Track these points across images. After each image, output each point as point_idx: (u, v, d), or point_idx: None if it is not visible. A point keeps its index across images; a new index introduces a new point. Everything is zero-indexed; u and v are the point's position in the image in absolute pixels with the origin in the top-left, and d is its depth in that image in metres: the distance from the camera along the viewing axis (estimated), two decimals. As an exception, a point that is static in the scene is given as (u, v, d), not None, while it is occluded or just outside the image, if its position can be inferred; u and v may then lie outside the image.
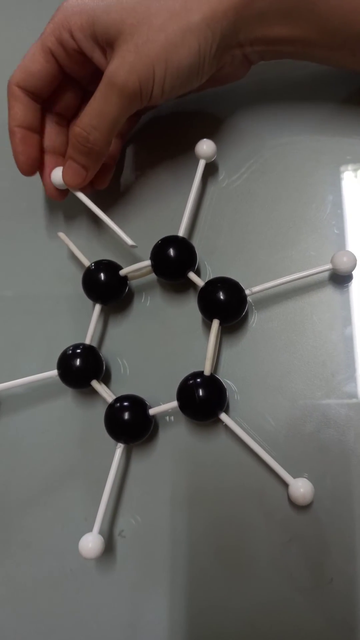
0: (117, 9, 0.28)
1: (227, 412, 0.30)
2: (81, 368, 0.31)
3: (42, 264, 0.37)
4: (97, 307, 0.33)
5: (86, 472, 0.32)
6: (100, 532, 0.29)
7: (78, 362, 0.31)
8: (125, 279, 0.33)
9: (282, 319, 0.31)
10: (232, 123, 0.35)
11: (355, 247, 0.31)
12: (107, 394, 0.31)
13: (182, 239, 0.31)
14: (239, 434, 0.29)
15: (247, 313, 0.31)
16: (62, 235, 0.35)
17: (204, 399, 0.29)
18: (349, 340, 0.30)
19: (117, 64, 0.28)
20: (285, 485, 0.28)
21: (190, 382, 0.29)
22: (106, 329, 0.34)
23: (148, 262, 0.31)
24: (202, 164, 0.33)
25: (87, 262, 0.33)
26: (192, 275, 0.31)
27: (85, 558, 0.28)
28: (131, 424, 0.30)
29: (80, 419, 0.33)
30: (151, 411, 0.30)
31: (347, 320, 0.30)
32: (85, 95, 0.34)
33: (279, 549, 0.29)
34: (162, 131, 0.37)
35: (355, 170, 0.33)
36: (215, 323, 0.30)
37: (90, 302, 0.33)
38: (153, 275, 0.32)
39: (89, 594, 0.31)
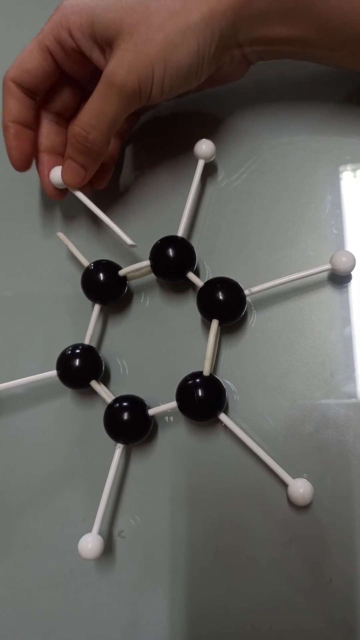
0: (116, 9, 0.28)
1: (226, 412, 0.30)
2: (80, 368, 0.31)
3: (41, 264, 0.37)
4: (97, 307, 0.33)
5: (85, 473, 0.32)
6: (100, 533, 0.29)
7: (77, 362, 0.31)
8: (124, 279, 0.33)
9: (281, 319, 0.31)
10: (232, 123, 0.35)
11: (354, 247, 0.31)
12: (107, 394, 0.31)
13: (181, 239, 0.31)
14: (239, 434, 0.29)
15: (246, 313, 0.31)
16: (61, 235, 0.35)
17: (203, 399, 0.29)
18: (348, 340, 0.30)
19: (116, 63, 0.28)
20: (285, 485, 0.28)
21: (190, 382, 0.29)
22: (105, 329, 0.34)
23: (147, 262, 0.31)
24: (201, 164, 0.33)
25: (86, 262, 0.33)
26: (191, 276, 0.31)
27: (84, 558, 0.28)
28: (130, 424, 0.30)
29: (80, 419, 0.33)
30: (150, 411, 0.30)
31: (346, 321, 0.30)
32: (84, 95, 0.34)
33: (278, 549, 0.29)
34: (162, 131, 0.37)
35: (354, 170, 0.33)
36: (215, 323, 0.30)
37: (89, 302, 0.33)
38: (152, 276, 0.32)
39: (89, 594, 0.31)
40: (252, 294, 0.30)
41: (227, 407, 0.30)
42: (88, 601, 0.31)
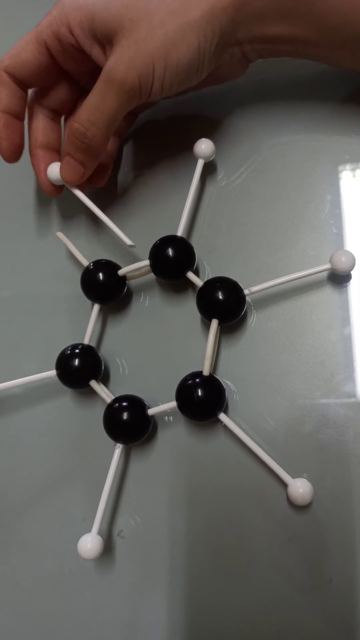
0: (116, 5, 0.28)
1: (226, 412, 0.30)
2: (80, 368, 0.31)
3: (40, 264, 0.37)
4: (96, 307, 0.33)
5: (85, 473, 0.32)
6: (99, 533, 0.29)
7: (76, 362, 0.31)
8: (123, 278, 0.33)
9: (281, 319, 0.31)
10: (231, 122, 0.35)
11: (354, 247, 0.31)
12: (106, 394, 0.31)
13: (181, 238, 0.31)
14: (238, 434, 0.29)
15: (245, 313, 0.31)
16: (60, 235, 0.35)
17: (202, 399, 0.29)
18: (347, 340, 0.30)
19: (116, 59, 0.28)
20: (285, 485, 0.28)
21: (189, 382, 0.29)
22: (105, 329, 0.34)
23: (147, 262, 0.31)
24: (200, 163, 0.33)
25: (85, 262, 0.33)
26: (190, 275, 0.31)
27: (84, 559, 0.28)
28: (130, 424, 0.30)
29: (79, 419, 0.33)
30: (150, 411, 0.30)
31: (346, 320, 0.30)
32: (81, 93, 0.34)
33: (278, 549, 0.29)
34: (161, 131, 0.37)
35: (353, 169, 0.33)
36: (214, 323, 0.30)
37: (88, 302, 0.33)
38: (152, 275, 0.32)
39: (88, 595, 0.31)
40: (251, 293, 0.30)
41: (226, 406, 0.30)
42: (88, 601, 0.31)
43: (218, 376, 0.30)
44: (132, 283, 0.34)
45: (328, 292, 0.31)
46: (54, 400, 0.34)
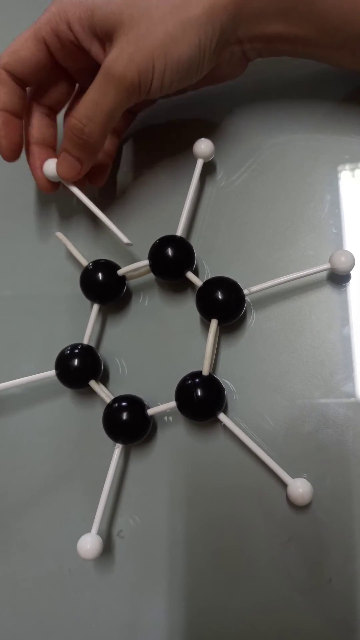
0: (116, 1, 0.27)
1: (225, 412, 0.30)
2: (79, 368, 0.31)
3: (40, 264, 0.37)
4: (95, 307, 0.33)
5: (84, 473, 0.32)
6: (99, 533, 0.29)
7: (76, 362, 0.31)
8: (123, 278, 0.33)
9: (281, 319, 0.31)
10: (231, 122, 0.35)
11: (354, 247, 0.31)
12: (105, 394, 0.31)
13: (180, 238, 0.31)
14: (238, 434, 0.29)
15: (245, 313, 0.31)
16: (60, 235, 0.35)
17: (202, 399, 0.29)
18: (347, 340, 0.30)
19: (115, 55, 0.27)
20: (284, 485, 0.28)
21: (189, 382, 0.29)
22: (104, 328, 0.34)
23: (146, 262, 0.31)
24: (200, 163, 0.33)
25: (85, 262, 0.33)
26: (190, 275, 0.31)
27: (83, 559, 0.28)
28: (129, 424, 0.30)
29: (79, 419, 0.33)
30: (149, 411, 0.30)
31: (346, 320, 0.30)
32: (79, 91, 0.33)
33: (278, 549, 0.29)
34: (161, 130, 0.36)
35: (353, 169, 0.33)
36: (214, 323, 0.30)
37: (88, 302, 0.33)
38: (151, 275, 0.32)
39: (88, 595, 0.31)
40: (251, 293, 0.30)
41: (226, 406, 0.30)
42: (87, 601, 0.31)
43: (217, 376, 0.30)
44: (131, 283, 0.34)
45: (327, 292, 0.31)
46: (54, 400, 0.34)
